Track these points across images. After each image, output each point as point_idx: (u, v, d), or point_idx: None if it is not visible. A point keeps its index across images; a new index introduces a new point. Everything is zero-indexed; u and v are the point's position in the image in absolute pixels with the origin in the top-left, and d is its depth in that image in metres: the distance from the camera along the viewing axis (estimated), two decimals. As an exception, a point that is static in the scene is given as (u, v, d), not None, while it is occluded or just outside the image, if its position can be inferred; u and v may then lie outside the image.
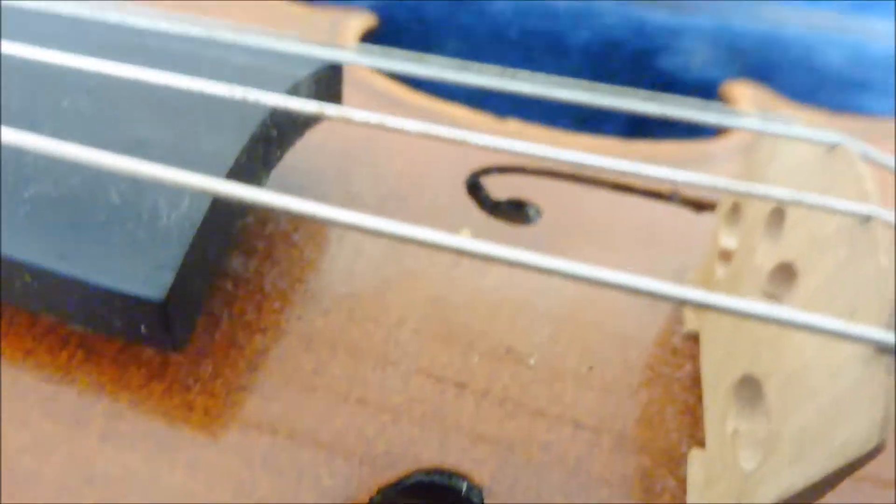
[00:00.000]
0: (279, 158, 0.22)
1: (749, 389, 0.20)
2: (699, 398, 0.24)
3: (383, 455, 0.21)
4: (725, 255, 0.25)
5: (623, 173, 0.20)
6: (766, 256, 0.21)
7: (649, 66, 0.45)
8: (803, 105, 0.45)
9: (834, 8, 0.48)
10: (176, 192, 0.19)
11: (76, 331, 0.22)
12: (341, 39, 0.40)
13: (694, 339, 0.26)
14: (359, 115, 0.19)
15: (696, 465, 0.21)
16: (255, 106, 0.21)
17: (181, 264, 0.18)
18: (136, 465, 0.20)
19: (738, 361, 0.21)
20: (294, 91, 0.22)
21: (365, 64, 0.23)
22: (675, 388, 0.24)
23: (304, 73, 0.23)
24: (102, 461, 0.20)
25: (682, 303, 0.22)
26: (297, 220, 0.27)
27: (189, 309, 0.19)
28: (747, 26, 0.46)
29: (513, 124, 0.36)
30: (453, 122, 0.35)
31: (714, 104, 0.26)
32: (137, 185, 0.19)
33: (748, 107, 0.43)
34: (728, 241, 0.25)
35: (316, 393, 0.22)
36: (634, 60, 0.45)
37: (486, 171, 0.32)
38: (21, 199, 0.19)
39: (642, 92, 0.24)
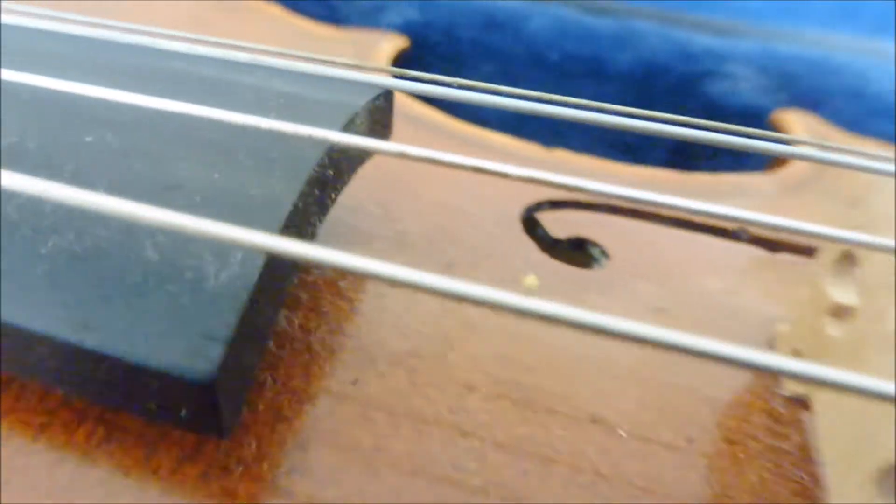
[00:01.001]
0: (333, 202, 0.19)
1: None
2: (813, 477, 0.21)
3: (464, 552, 0.18)
4: (839, 312, 0.22)
5: (709, 215, 0.18)
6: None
7: (694, 91, 0.43)
8: (855, 134, 0.42)
9: (884, 37, 0.46)
10: (224, 248, 0.16)
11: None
12: (374, 63, 0.37)
13: (798, 403, 0.22)
14: (417, 151, 0.16)
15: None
16: (311, 142, 0.18)
17: (233, 335, 0.15)
18: (167, 566, 0.17)
19: (878, 445, 0.18)
20: (351, 123, 0.19)
21: (427, 93, 0.20)
22: (786, 463, 0.21)
23: (360, 102, 0.20)
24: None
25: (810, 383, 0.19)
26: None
27: (239, 388, 0.16)
28: (795, 51, 0.44)
29: (560, 153, 0.34)
30: (501, 151, 0.32)
31: (769, 133, 0.23)
32: (178, 238, 0.16)
33: (803, 135, 0.40)
34: (842, 295, 0.22)
35: (379, 474, 0.19)
36: (679, 85, 0.43)
37: (540, 205, 0.29)
38: (37, 255, 0.16)
39: (691, 119, 0.22)
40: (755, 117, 0.44)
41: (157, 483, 0.18)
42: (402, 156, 0.16)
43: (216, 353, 0.14)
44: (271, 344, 0.21)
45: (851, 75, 0.44)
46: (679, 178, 0.34)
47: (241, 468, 0.18)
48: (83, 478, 0.18)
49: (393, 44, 0.38)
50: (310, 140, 0.18)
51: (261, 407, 0.19)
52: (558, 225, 0.29)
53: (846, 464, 0.19)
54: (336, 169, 0.19)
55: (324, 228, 0.25)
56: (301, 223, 0.17)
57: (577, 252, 0.28)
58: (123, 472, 0.18)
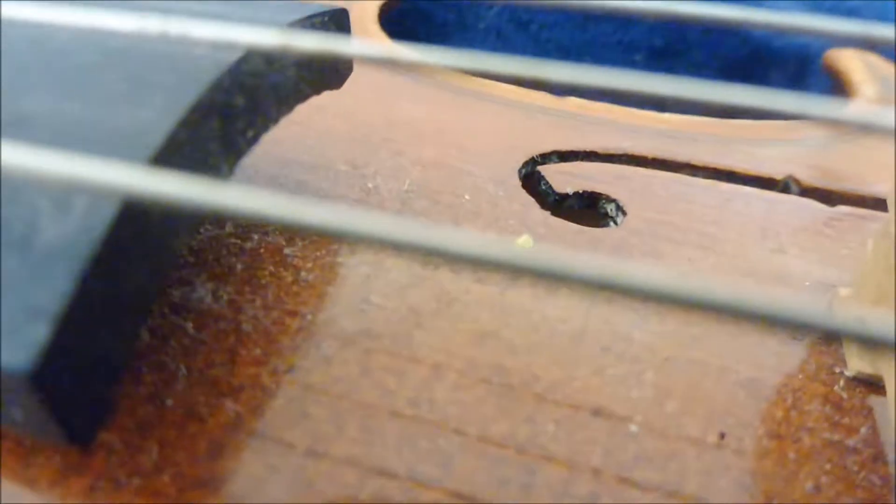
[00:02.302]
0: (251, 143, 0.15)
1: None
2: (886, 480, 0.16)
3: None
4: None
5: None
6: None
7: (736, 31, 0.37)
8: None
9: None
10: (66, 195, 0.12)
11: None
12: (360, 28, 0.32)
13: (865, 386, 0.18)
14: (372, 49, 0.11)
15: None
16: (207, 61, 0.14)
17: (67, 311, 0.11)
18: None
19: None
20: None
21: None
22: (850, 463, 0.16)
23: (287, 18, 0.16)
24: None
25: None
26: (293, 230, 0.19)
27: (94, 382, 0.12)
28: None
29: (574, 101, 0.29)
30: (504, 101, 0.28)
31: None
32: (6, 184, 0.12)
33: (863, 78, 0.35)
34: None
35: (315, 485, 0.15)
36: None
37: (546, 156, 0.25)
38: None
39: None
40: (806, 59, 0.38)
41: (35, 498, 0.14)
42: (352, 57, 0.12)
43: (41, 333, 0.11)
44: (188, 326, 0.17)
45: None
46: (714, 123, 0.29)
47: (136, 480, 0.14)
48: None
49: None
50: (204, 58, 0.14)
51: (169, 403, 0.15)
52: (567, 179, 0.24)
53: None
54: (249, 98, 0.15)
55: (277, 189, 0.21)
56: (193, 163, 0.13)
57: (588, 209, 0.24)
58: (-10, 486, 0.14)
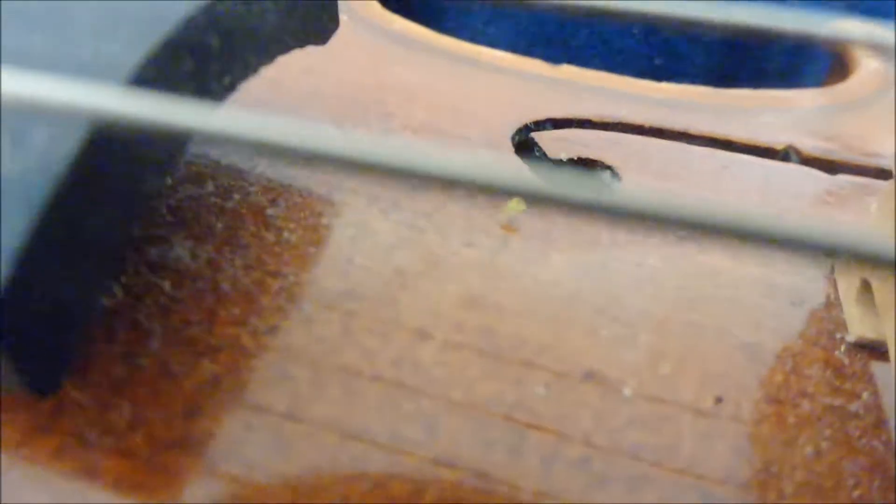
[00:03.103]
0: (228, 89, 0.15)
1: None
2: (888, 445, 0.15)
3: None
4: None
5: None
6: None
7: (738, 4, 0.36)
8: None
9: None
10: (24, 126, 0.11)
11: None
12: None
13: (867, 351, 0.17)
14: None
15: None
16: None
17: (26, 246, 0.10)
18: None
19: None
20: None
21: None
22: (851, 428, 0.15)
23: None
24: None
25: None
26: (275, 190, 0.19)
27: (57, 329, 0.12)
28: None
29: (568, 69, 0.28)
30: (498, 68, 0.27)
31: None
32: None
33: (864, 51, 0.34)
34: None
35: (290, 452, 0.14)
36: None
37: (540, 123, 0.24)
38: None
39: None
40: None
41: (1, 456, 0.14)
42: None
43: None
44: (165, 284, 0.16)
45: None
46: (712, 92, 0.28)
47: (107, 440, 0.14)
48: None
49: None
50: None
51: (143, 362, 0.15)
52: (561, 146, 0.23)
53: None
54: (224, 39, 0.14)
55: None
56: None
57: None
58: (-46, 446, 0.14)
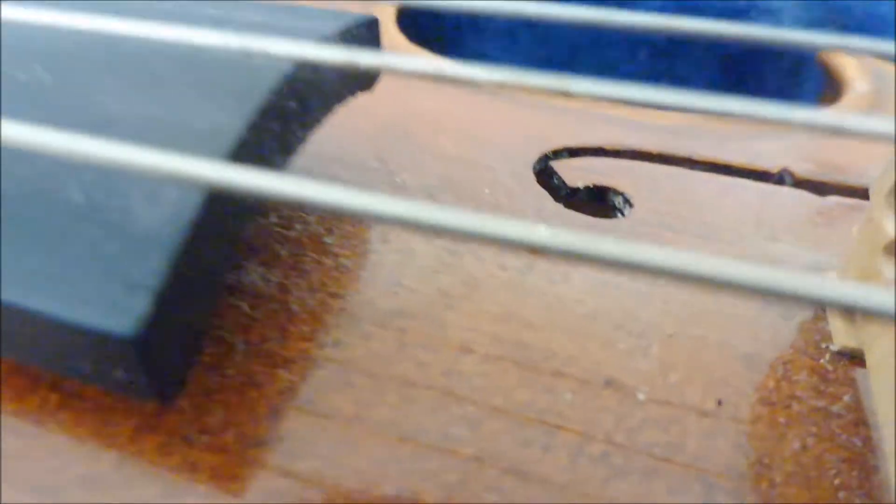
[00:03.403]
0: (301, 141, 0.17)
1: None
2: (866, 441, 0.18)
3: (452, 531, 0.15)
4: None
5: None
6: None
7: (734, 29, 0.39)
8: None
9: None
10: (156, 186, 0.14)
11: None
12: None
13: (848, 358, 0.20)
14: (410, 63, 0.13)
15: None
16: (267, 70, 0.16)
17: (164, 285, 0.13)
18: (124, 546, 0.15)
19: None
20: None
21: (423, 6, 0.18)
22: (834, 427, 0.18)
23: (330, 28, 0.18)
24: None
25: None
26: (330, 220, 0.21)
27: (182, 346, 0.14)
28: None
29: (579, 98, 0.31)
30: (514, 97, 0.29)
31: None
32: (105, 178, 0.14)
33: (856, 74, 0.36)
34: (898, 229, 0.19)
35: (359, 445, 0.17)
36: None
37: (557, 153, 0.27)
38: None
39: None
40: (801, 54, 0.40)
41: (113, 453, 0.16)
42: (392, 71, 0.14)
43: (144, 304, 0.13)
44: (244, 305, 0.19)
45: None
46: (713, 119, 0.30)
47: (205, 438, 0.16)
48: (33, 446, 0.16)
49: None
50: (264, 68, 0.16)
51: (230, 372, 0.17)
52: (577, 174, 0.26)
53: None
54: (300, 100, 0.16)
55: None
56: (256, 161, 0.15)
57: (597, 202, 0.25)
58: (77, 440, 0.16)
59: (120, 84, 0.15)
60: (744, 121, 0.30)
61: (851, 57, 0.37)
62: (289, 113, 0.16)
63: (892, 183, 0.19)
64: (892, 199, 0.19)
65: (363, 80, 0.20)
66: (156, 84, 0.16)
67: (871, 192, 0.20)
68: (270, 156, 0.16)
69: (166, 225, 0.13)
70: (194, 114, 0.15)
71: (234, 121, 0.14)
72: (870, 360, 0.18)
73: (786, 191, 0.27)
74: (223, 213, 0.14)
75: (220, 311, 0.18)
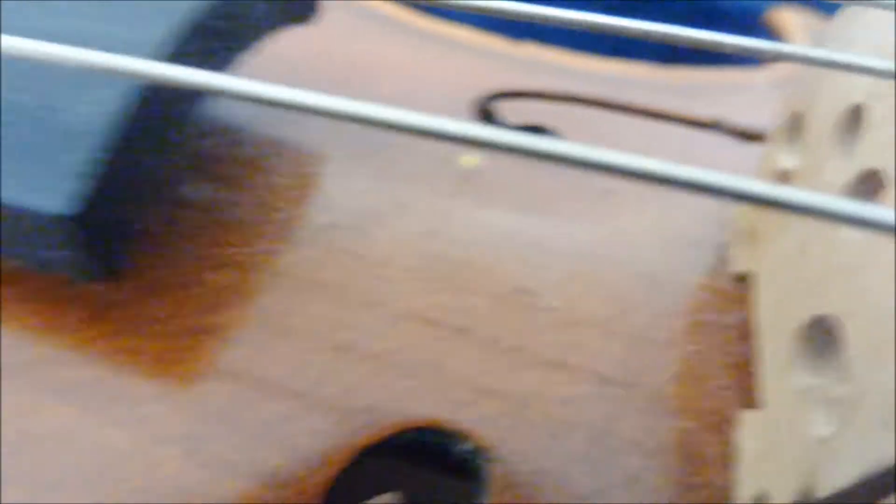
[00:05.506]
0: (228, 63, 0.19)
1: (821, 335, 0.16)
2: (751, 349, 0.20)
3: (367, 410, 0.17)
4: (784, 178, 0.21)
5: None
6: (840, 170, 0.17)
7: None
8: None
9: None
10: (89, 90, 0.15)
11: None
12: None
13: (744, 281, 0.21)
14: None
15: (750, 429, 0.17)
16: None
17: (97, 171, 0.14)
18: (73, 420, 0.17)
19: (805, 300, 0.17)
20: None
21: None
22: (723, 337, 0.20)
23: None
24: (34, 416, 0.17)
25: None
26: (275, 144, 0.23)
27: (118, 228, 0.16)
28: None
29: (529, 47, 0.32)
30: (463, 45, 0.31)
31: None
32: (43, 78, 0.15)
33: (799, 35, 0.38)
34: (787, 160, 0.21)
35: (288, 337, 0.18)
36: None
37: (500, 95, 0.28)
38: None
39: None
40: (751, 17, 0.42)
41: (65, 340, 0.18)
42: None
43: (78, 186, 0.14)
44: (192, 215, 0.20)
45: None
46: (662, 73, 0.32)
47: (150, 327, 0.18)
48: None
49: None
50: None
51: (177, 272, 0.19)
52: (517, 115, 0.28)
53: (775, 325, 0.18)
54: (228, 20, 0.18)
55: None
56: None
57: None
58: (30, 330, 0.18)
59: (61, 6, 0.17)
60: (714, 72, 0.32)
61: (792, 21, 0.39)
62: (217, 32, 0.18)
63: (787, 122, 0.21)
64: (786, 136, 0.21)
65: (298, 11, 0.22)
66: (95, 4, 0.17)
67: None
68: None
69: (97, 121, 0.15)
70: (126, 28, 0.16)
71: (161, 33, 0.16)
72: (760, 279, 0.20)
73: (713, 139, 0.28)
74: (147, 114, 0.16)
75: (171, 219, 0.20)
